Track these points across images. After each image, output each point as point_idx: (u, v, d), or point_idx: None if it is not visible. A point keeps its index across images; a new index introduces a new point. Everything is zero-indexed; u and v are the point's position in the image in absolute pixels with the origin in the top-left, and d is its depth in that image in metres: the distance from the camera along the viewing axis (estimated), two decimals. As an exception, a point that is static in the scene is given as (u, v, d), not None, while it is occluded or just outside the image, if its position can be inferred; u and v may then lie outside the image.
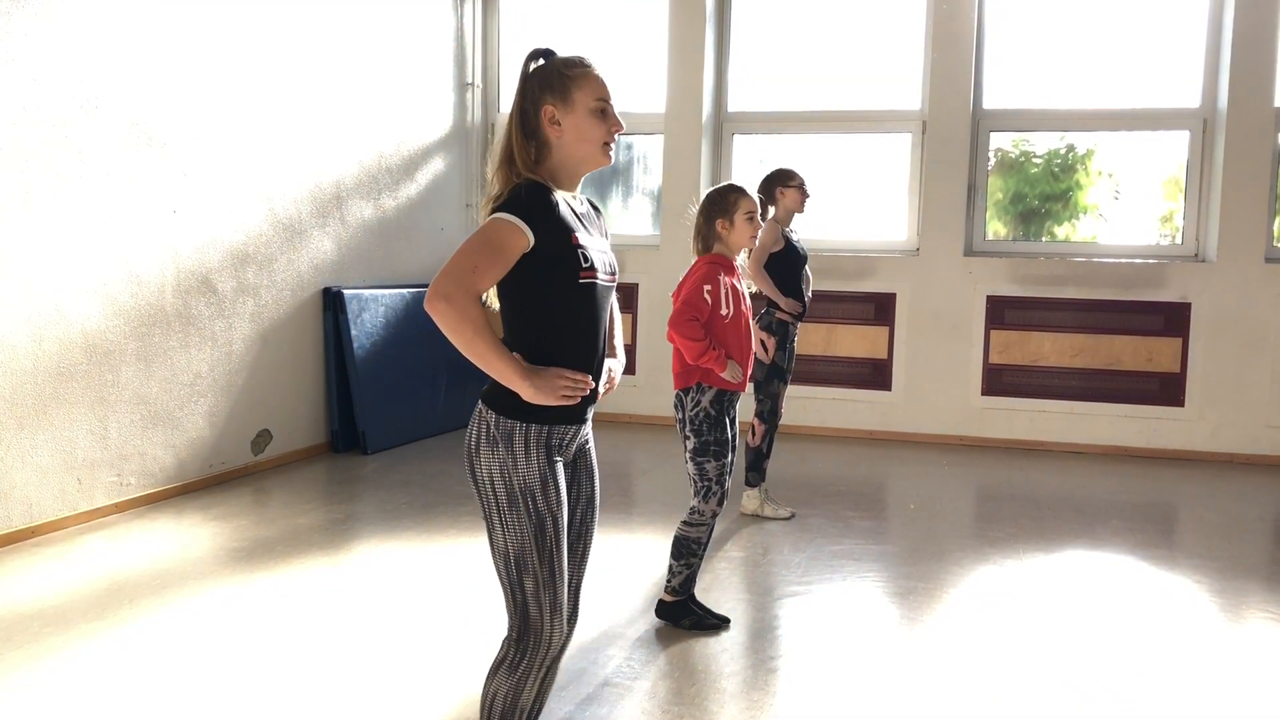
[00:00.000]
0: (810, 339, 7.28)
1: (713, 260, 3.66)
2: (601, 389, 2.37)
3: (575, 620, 2.44)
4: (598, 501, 2.46)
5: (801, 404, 7.30)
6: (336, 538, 4.80)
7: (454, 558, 4.51)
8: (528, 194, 2.18)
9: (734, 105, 7.72)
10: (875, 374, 7.33)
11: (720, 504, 3.68)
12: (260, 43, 5.77)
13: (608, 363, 2.39)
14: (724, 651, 3.54)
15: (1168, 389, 6.87)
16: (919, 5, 7.25)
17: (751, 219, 3.65)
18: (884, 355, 7.31)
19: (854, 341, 7.35)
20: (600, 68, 2.27)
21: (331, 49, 6.35)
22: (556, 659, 2.35)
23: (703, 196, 3.75)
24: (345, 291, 6.43)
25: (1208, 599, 4.18)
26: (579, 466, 2.40)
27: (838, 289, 7.25)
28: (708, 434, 3.64)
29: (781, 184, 5.06)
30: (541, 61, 2.27)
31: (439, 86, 7.61)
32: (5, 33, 4.37)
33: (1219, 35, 6.77)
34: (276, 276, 6.02)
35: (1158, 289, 6.84)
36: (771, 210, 5.05)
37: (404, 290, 7.03)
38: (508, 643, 2.27)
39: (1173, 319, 6.84)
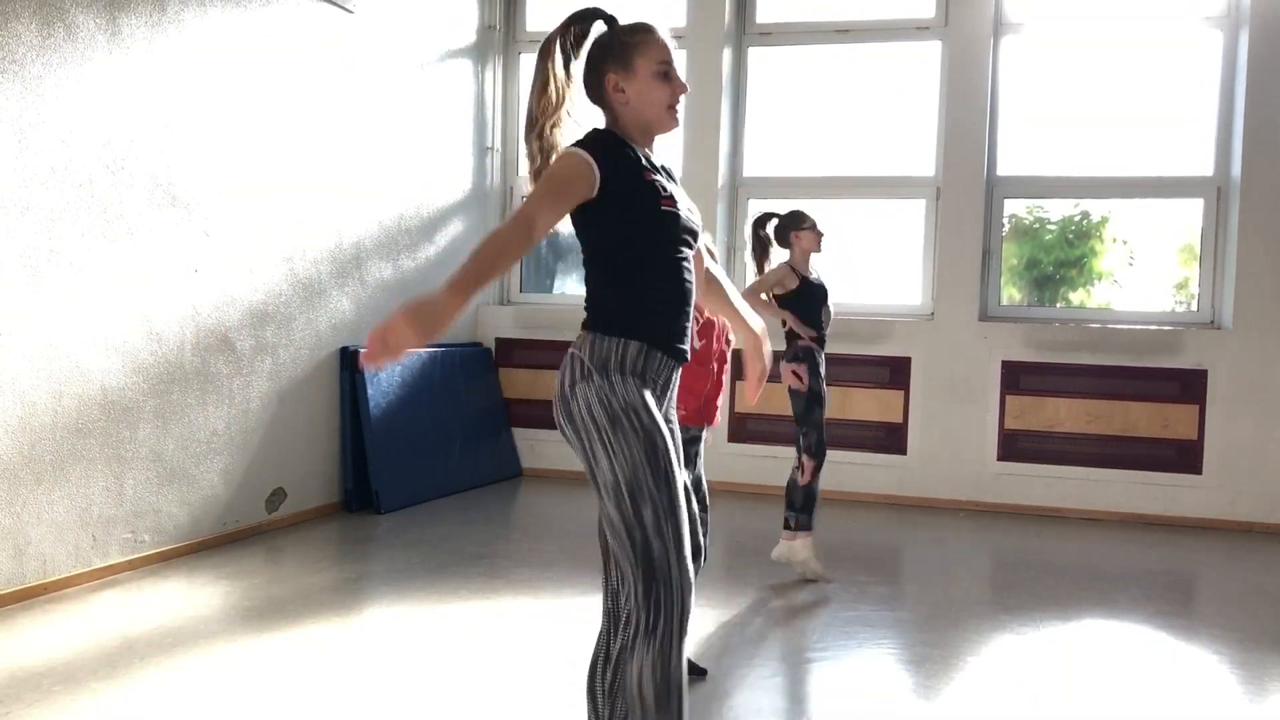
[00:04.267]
0: (825, 402, 7.27)
1: None
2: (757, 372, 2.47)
3: (699, 560, 2.34)
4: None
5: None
6: (348, 597, 4.78)
7: (466, 619, 4.49)
8: (597, 135, 2.27)
9: (749, 170, 7.80)
10: (890, 438, 7.30)
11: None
12: (284, 106, 5.89)
13: (754, 332, 2.50)
14: (737, 718, 3.50)
15: (1185, 456, 6.82)
16: (933, 72, 7.34)
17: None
18: (899, 419, 7.29)
19: (869, 405, 7.33)
20: (662, 31, 2.34)
21: (355, 113, 6.47)
22: (689, 613, 2.12)
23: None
24: (363, 351, 6.46)
25: (1228, 671, 4.12)
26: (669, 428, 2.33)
27: (852, 352, 7.25)
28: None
29: (795, 228, 5.13)
30: (604, 28, 2.34)
31: (459, 150, 7.72)
32: (37, 95, 4.47)
33: (1232, 103, 6.83)
34: (295, 335, 6.07)
35: (1174, 355, 6.83)
36: (787, 254, 5.14)
37: (421, 350, 7.07)
38: (636, 610, 2.08)
39: (1189, 386, 6.81)
